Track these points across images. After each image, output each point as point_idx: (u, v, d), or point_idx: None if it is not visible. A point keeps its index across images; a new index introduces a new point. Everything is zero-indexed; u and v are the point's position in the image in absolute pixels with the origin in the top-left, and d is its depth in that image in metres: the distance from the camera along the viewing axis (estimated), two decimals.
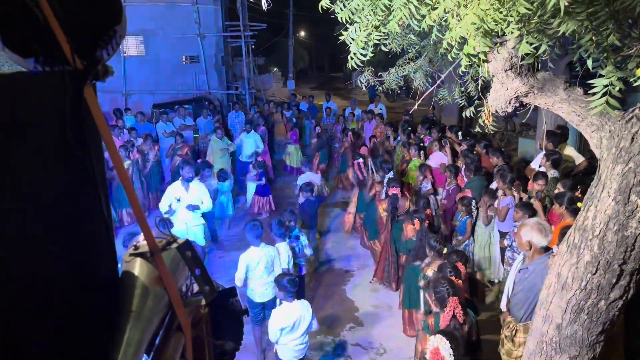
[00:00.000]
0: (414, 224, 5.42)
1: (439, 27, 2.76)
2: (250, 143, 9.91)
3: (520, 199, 5.42)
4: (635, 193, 2.10)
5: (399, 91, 17.38)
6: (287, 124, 12.06)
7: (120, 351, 0.87)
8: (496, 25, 2.01)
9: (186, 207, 6.34)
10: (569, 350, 2.58)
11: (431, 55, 4.10)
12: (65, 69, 0.84)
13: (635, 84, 2.02)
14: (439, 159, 7.77)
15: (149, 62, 14.70)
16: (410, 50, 4.16)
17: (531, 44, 2.19)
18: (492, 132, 4.41)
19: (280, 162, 11.64)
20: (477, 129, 3.20)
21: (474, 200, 5.87)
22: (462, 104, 3.89)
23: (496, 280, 5.81)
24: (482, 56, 2.39)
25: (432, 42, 3.68)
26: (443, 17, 2.16)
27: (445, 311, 3.58)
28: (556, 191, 5.11)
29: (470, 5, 1.95)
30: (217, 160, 9.23)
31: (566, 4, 1.76)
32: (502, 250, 5.52)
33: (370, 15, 2.36)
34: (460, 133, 8.38)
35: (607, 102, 2.02)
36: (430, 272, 4.56)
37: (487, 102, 2.94)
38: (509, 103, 2.75)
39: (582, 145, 7.54)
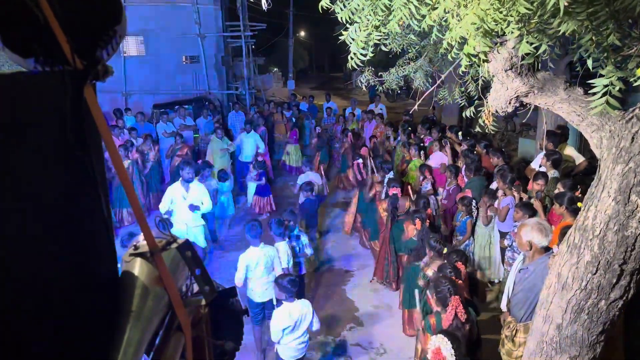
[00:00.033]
0: (415, 224, 5.42)
1: (439, 27, 2.77)
2: (250, 143, 9.90)
3: (521, 199, 5.41)
4: (635, 193, 2.10)
5: (399, 91, 17.38)
6: (287, 124, 12.05)
7: (120, 351, 0.87)
8: (496, 25, 2.01)
9: (187, 207, 6.34)
10: (569, 350, 2.58)
11: (431, 55, 4.10)
12: (65, 69, 0.84)
13: (635, 84, 2.03)
14: (439, 159, 7.77)
15: (149, 62, 14.67)
16: (410, 50, 4.16)
17: (531, 43, 2.19)
18: (492, 132, 4.41)
19: (280, 162, 11.64)
20: (477, 129, 3.21)
21: (474, 200, 5.87)
22: (462, 104, 3.89)
23: (496, 280, 5.81)
24: (482, 56, 2.39)
25: (432, 42, 3.68)
26: (443, 17, 2.16)
27: (447, 310, 3.57)
28: (556, 191, 5.11)
29: (470, 5, 1.95)
30: (217, 161, 9.23)
31: (566, 3, 1.76)
32: (502, 250, 5.52)
33: (370, 15, 2.36)
34: (460, 133, 8.37)
35: (607, 102, 2.02)
36: (430, 272, 4.55)
37: (487, 102, 2.94)
38: (509, 103, 2.75)
39: (582, 145, 7.54)
